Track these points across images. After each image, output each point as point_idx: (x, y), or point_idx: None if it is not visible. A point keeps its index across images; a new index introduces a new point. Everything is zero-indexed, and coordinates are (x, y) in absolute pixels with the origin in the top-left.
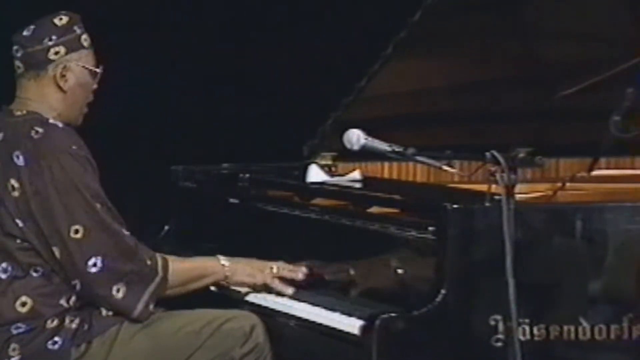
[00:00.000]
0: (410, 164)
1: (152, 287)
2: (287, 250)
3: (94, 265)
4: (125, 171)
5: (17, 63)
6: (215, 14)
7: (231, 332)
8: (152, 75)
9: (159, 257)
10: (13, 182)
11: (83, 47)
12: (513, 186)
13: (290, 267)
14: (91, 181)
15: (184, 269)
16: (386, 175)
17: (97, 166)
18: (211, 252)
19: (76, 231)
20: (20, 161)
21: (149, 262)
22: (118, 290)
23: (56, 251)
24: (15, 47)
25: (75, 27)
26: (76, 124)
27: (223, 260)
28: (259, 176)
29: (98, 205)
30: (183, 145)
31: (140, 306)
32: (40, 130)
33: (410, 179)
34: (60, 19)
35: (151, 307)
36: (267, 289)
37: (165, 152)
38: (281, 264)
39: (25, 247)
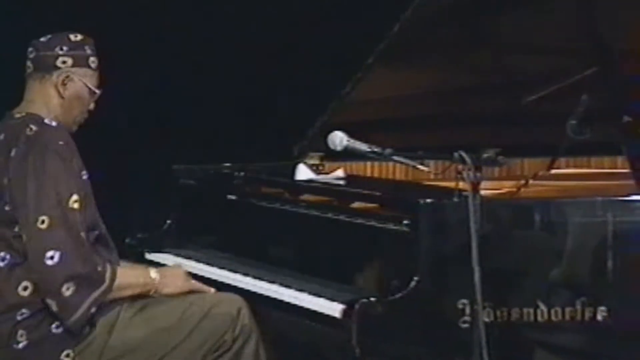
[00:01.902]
0: (390, 163)
1: (96, 294)
2: (279, 241)
3: (51, 258)
4: (131, 170)
5: (28, 63)
6: (218, 18)
7: (220, 316)
8: (155, 81)
9: (108, 267)
10: (5, 174)
11: (89, 67)
12: (478, 183)
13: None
14: (69, 178)
15: (122, 284)
16: (368, 173)
17: (83, 164)
18: (209, 244)
19: (42, 221)
20: (12, 154)
21: (99, 269)
22: (68, 289)
23: (24, 237)
24: (30, 49)
25: (87, 47)
26: (70, 130)
27: (154, 273)
28: (253, 174)
29: (70, 201)
30: (184, 145)
31: (83, 307)
32: (34, 128)
33: (390, 177)
34: (76, 36)
35: (92, 310)
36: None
37: (167, 152)
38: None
39: (19, 234)
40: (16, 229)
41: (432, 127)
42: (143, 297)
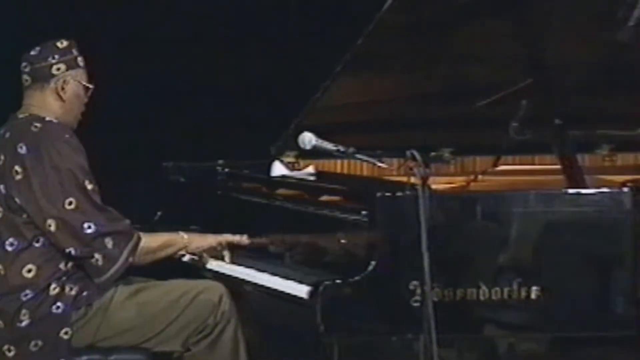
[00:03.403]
0: (359, 162)
1: (131, 245)
2: (257, 230)
3: (89, 227)
4: (125, 166)
5: (25, 77)
6: (208, 26)
7: (204, 303)
8: (146, 84)
9: (132, 228)
10: (17, 168)
11: (79, 66)
12: (427, 178)
13: (233, 236)
14: (81, 162)
15: (151, 240)
16: (338, 170)
17: (87, 157)
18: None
19: (70, 203)
20: (23, 150)
21: (127, 223)
22: (108, 242)
23: (52, 224)
24: (24, 64)
25: (73, 50)
26: (72, 128)
27: (182, 233)
28: (235, 171)
29: (86, 182)
30: (173, 144)
31: (122, 257)
32: (39, 125)
33: (358, 173)
34: (62, 42)
35: (130, 259)
36: (218, 251)
37: (157, 150)
38: (227, 235)
39: (29, 221)
40: (24, 216)
41: (394, 129)
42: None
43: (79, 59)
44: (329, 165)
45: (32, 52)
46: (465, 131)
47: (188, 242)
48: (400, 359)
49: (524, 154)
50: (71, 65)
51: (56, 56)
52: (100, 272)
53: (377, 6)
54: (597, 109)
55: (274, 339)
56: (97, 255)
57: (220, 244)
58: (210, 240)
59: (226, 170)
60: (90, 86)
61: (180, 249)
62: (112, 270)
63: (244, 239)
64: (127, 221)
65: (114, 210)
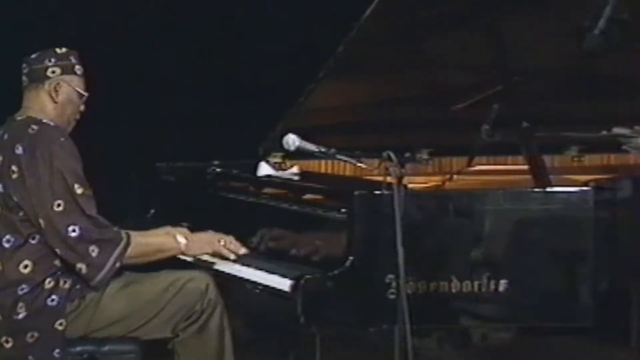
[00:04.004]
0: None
1: (118, 250)
2: (244, 227)
3: (73, 231)
4: (120, 166)
5: (24, 77)
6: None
7: (192, 291)
8: (141, 88)
9: (122, 230)
10: (13, 167)
11: (75, 74)
12: (402, 177)
13: (234, 241)
14: (74, 167)
15: (145, 242)
16: (322, 170)
17: (83, 158)
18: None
19: (58, 205)
20: (19, 151)
21: (114, 229)
22: (93, 251)
23: (42, 222)
24: (23, 65)
25: (72, 57)
26: (66, 130)
27: (180, 237)
28: (223, 171)
29: (76, 186)
30: (165, 145)
31: (108, 265)
32: (35, 127)
33: (342, 173)
34: (61, 49)
35: (118, 264)
36: (217, 255)
37: (151, 151)
38: (230, 237)
39: (25, 218)
40: (21, 214)
41: (375, 131)
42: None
43: (77, 67)
44: (313, 165)
45: (32, 56)
46: (442, 133)
47: (185, 249)
48: (378, 349)
49: (496, 154)
50: (66, 71)
51: (52, 60)
52: (88, 279)
53: (359, 12)
54: (565, 113)
55: (259, 330)
56: (79, 265)
57: (215, 253)
58: (206, 249)
59: (215, 170)
60: (85, 94)
61: (176, 254)
62: (99, 277)
63: (241, 251)
64: (115, 228)
65: (101, 217)
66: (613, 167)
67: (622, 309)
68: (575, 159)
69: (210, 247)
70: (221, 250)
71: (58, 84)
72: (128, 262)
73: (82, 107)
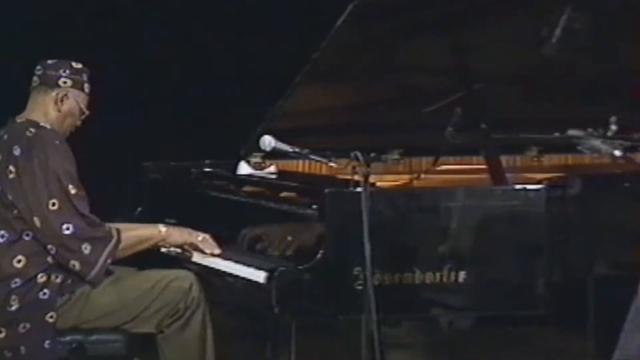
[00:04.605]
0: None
1: (109, 248)
2: (224, 223)
3: (67, 229)
4: (109, 166)
5: (35, 78)
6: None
7: (176, 289)
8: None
9: (113, 228)
10: (11, 167)
11: (83, 91)
12: (368, 175)
13: (211, 240)
14: (69, 168)
15: (130, 235)
16: (302, 170)
17: (75, 157)
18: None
19: (53, 204)
20: (17, 152)
21: (106, 228)
22: (85, 248)
23: (37, 220)
24: (38, 67)
25: (84, 75)
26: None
27: (161, 227)
28: (206, 170)
29: (70, 186)
30: (152, 145)
31: (100, 261)
32: (33, 130)
33: (319, 172)
34: (77, 64)
35: (109, 262)
36: (194, 248)
37: (137, 150)
38: (207, 235)
39: (19, 216)
40: (15, 212)
41: (350, 133)
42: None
43: (86, 85)
44: (293, 165)
45: (49, 61)
46: (411, 135)
47: (165, 236)
48: (347, 336)
49: (461, 155)
50: (76, 86)
51: (67, 71)
52: (83, 275)
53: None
54: (525, 116)
55: (238, 320)
56: (73, 262)
57: (192, 245)
58: (185, 237)
59: (197, 169)
60: (86, 112)
61: (158, 242)
62: (93, 273)
63: (216, 251)
64: (107, 226)
65: (93, 216)
66: (570, 166)
67: (579, 300)
68: (535, 159)
69: (189, 237)
70: (198, 244)
71: (65, 94)
72: (120, 254)
73: (78, 123)
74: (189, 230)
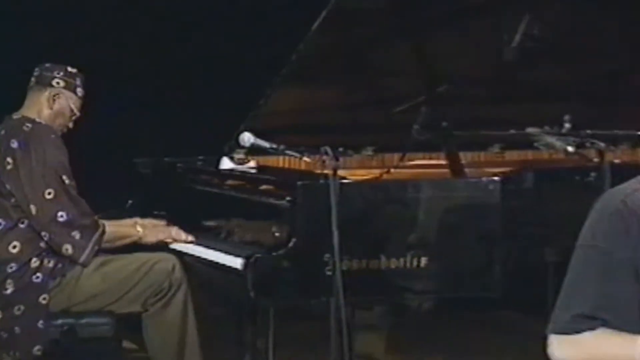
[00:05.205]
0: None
1: (97, 235)
2: (209, 213)
3: (61, 216)
4: (102, 162)
5: (32, 78)
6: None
7: (160, 270)
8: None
9: (100, 220)
10: (9, 159)
11: (76, 93)
12: (336, 169)
13: (180, 231)
14: (63, 161)
15: (112, 231)
16: (281, 165)
17: (71, 153)
18: (160, 217)
19: (49, 193)
20: (15, 145)
21: (95, 218)
22: (76, 234)
23: (33, 208)
24: (36, 69)
25: (77, 79)
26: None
27: (138, 227)
28: (192, 165)
29: (64, 177)
30: (143, 142)
31: (89, 246)
32: (29, 125)
33: (295, 167)
34: (72, 68)
35: (96, 248)
36: (170, 240)
37: (129, 147)
38: (176, 228)
39: (16, 205)
40: (12, 200)
41: (326, 131)
42: (103, 255)
43: (79, 89)
44: (276, 161)
45: (47, 64)
46: (383, 133)
47: (142, 235)
48: (319, 318)
49: (427, 151)
50: (69, 87)
51: (61, 74)
52: (75, 258)
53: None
54: (486, 115)
55: (218, 304)
56: (66, 246)
57: (168, 238)
58: (161, 236)
59: (184, 165)
60: (77, 113)
61: (135, 240)
62: (83, 256)
63: (189, 239)
64: (95, 216)
65: (85, 204)
66: (529, 161)
67: (537, 283)
68: (498, 155)
69: (162, 234)
70: (173, 236)
71: (57, 94)
72: (102, 246)
73: (70, 125)
74: (162, 228)
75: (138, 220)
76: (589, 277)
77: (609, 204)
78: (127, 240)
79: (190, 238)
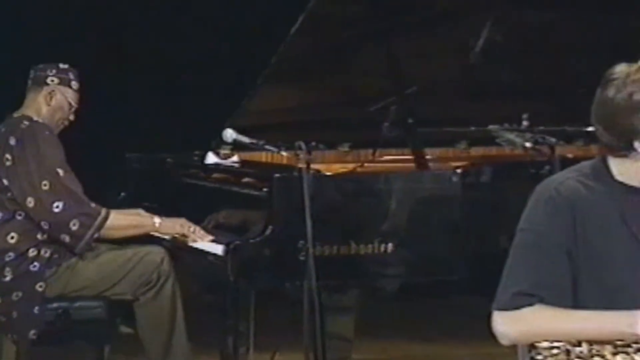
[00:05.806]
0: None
1: (96, 223)
2: (195, 205)
3: (57, 207)
4: (96, 157)
5: (29, 80)
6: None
7: (150, 262)
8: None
9: (104, 208)
10: (7, 156)
11: (71, 88)
12: (309, 162)
13: (202, 231)
14: (57, 154)
15: (123, 218)
16: (264, 160)
17: (66, 149)
18: (152, 210)
19: (44, 184)
20: (12, 142)
21: (93, 206)
22: (74, 224)
23: (30, 201)
24: (31, 71)
25: (70, 74)
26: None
27: (156, 219)
28: (180, 160)
29: (59, 169)
30: (135, 138)
31: (87, 235)
32: (27, 123)
33: (277, 161)
34: (64, 65)
35: (96, 235)
36: (184, 236)
37: (121, 143)
38: (198, 227)
39: (13, 198)
40: (9, 194)
41: (305, 128)
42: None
43: (73, 82)
44: (259, 156)
45: (40, 65)
46: (358, 130)
47: (159, 227)
48: (294, 300)
49: (397, 147)
50: (63, 83)
51: (54, 71)
52: (72, 247)
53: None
54: (452, 114)
55: (202, 290)
56: (63, 235)
57: (183, 235)
58: (177, 229)
59: (172, 160)
60: (75, 106)
61: (149, 231)
62: (80, 245)
63: (207, 237)
64: (93, 204)
65: (82, 194)
66: (491, 157)
67: (495, 269)
68: (463, 150)
69: (181, 228)
70: (189, 234)
71: (53, 91)
72: (110, 233)
73: (71, 117)
74: (182, 221)
75: (142, 211)
76: (527, 258)
77: (544, 192)
78: (140, 231)
79: (209, 238)
